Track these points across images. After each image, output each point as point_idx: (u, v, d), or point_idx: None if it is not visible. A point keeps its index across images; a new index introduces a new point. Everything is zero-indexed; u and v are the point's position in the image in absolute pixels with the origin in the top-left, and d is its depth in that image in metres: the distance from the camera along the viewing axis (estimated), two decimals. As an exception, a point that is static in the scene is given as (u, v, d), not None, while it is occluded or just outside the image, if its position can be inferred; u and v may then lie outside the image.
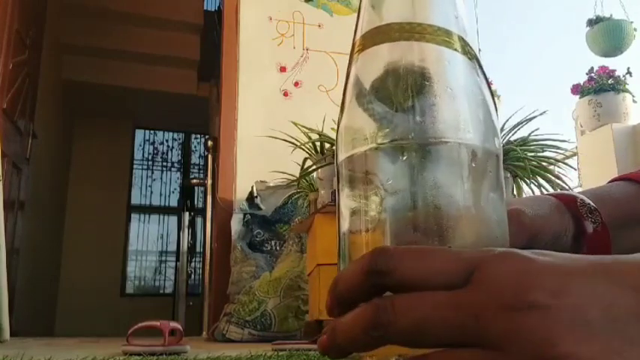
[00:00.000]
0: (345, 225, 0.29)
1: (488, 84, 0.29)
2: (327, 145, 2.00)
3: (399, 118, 0.27)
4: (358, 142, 0.28)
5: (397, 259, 0.21)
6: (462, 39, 0.28)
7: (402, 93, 0.27)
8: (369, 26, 0.29)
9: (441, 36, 0.28)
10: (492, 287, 0.20)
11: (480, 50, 4.31)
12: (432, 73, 0.27)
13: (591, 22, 3.20)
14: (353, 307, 0.22)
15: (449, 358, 0.20)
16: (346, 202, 0.29)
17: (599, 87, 2.95)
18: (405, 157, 0.27)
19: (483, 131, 0.28)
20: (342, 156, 0.29)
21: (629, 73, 2.98)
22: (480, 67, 0.29)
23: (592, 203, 0.40)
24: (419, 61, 0.28)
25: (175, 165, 7.49)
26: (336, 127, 0.32)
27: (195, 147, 7.53)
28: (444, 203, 0.26)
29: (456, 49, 0.28)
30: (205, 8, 5.89)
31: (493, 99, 0.29)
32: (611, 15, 3.18)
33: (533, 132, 1.81)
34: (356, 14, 0.30)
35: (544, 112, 1.83)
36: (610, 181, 0.46)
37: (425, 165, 0.26)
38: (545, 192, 1.80)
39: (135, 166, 7.22)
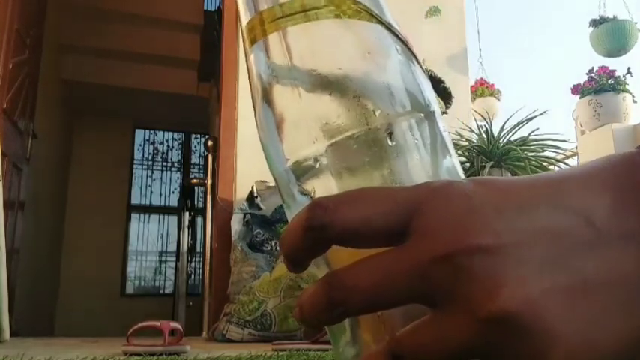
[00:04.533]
0: None
1: (401, 39, 0.26)
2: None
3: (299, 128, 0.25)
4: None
5: (332, 211, 0.20)
6: (355, 1, 0.25)
7: (293, 95, 0.25)
8: (262, 7, 0.26)
9: (328, 6, 0.25)
10: (431, 238, 0.19)
11: (480, 50, 4.30)
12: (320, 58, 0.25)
13: (595, 23, 3.20)
14: (303, 263, 0.22)
15: (418, 336, 0.19)
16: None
17: (599, 87, 2.95)
18: (319, 164, 0.25)
19: (416, 93, 0.25)
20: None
21: (629, 73, 2.98)
22: (384, 24, 0.26)
23: None
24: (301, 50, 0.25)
25: (175, 165, 7.49)
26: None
27: (195, 147, 7.53)
28: None
29: (339, 15, 0.25)
30: (205, 8, 5.89)
31: (412, 52, 0.26)
32: (614, 16, 3.18)
33: (533, 132, 1.81)
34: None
35: (544, 112, 1.83)
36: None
37: (341, 166, 0.24)
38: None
39: (135, 166, 7.22)
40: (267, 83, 0.26)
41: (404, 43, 0.26)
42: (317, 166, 0.25)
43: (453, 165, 0.26)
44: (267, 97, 0.26)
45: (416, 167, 0.25)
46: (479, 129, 2.82)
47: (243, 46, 0.27)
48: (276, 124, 0.26)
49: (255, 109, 0.27)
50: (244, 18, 0.27)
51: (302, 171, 0.25)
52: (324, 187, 0.25)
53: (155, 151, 7.43)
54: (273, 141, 0.26)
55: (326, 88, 0.25)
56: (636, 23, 3.15)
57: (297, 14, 0.25)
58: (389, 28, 0.26)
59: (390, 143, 0.24)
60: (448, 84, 2.95)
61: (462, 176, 0.26)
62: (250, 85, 0.27)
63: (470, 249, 0.19)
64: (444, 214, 0.19)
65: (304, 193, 0.26)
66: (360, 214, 0.20)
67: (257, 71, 0.27)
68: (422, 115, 0.25)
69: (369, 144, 0.24)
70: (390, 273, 0.19)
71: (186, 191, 4.93)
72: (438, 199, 0.20)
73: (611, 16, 3.17)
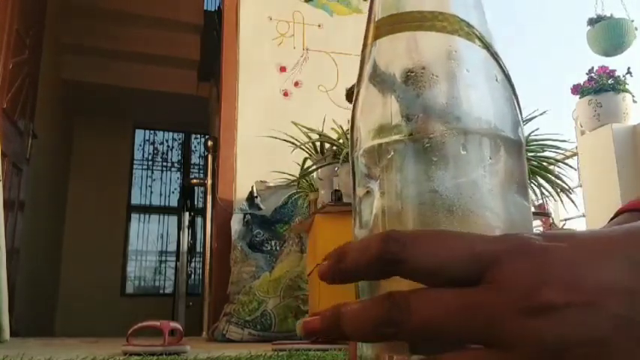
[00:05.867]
0: (358, 224, 0.28)
1: (504, 70, 0.28)
2: (327, 145, 2.00)
3: (420, 110, 0.26)
4: (380, 134, 0.27)
5: (410, 248, 0.20)
6: (468, 24, 0.28)
7: (425, 85, 0.27)
8: (386, 12, 0.29)
9: (442, 22, 0.27)
10: (505, 290, 0.19)
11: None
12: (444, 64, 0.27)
13: (592, 22, 3.19)
14: (351, 282, 0.22)
15: (463, 359, 0.20)
16: (361, 194, 0.28)
17: (599, 87, 2.95)
18: (390, 155, 0.26)
19: (503, 121, 0.27)
20: (364, 146, 0.28)
21: (629, 73, 2.98)
22: (493, 54, 0.28)
23: None
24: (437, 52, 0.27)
25: (175, 165, 7.49)
26: (348, 120, 0.31)
27: (195, 147, 7.53)
28: (466, 202, 0.25)
29: (469, 39, 0.27)
30: (205, 8, 5.89)
31: (513, 87, 0.28)
32: (611, 14, 3.18)
33: (533, 132, 1.81)
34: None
35: (544, 112, 1.83)
36: (615, 215, 0.39)
37: (445, 159, 0.25)
38: (546, 192, 1.80)
39: (135, 166, 7.22)
40: (369, 76, 0.29)
41: (507, 77, 0.28)
42: (389, 156, 0.26)
43: (524, 205, 0.27)
44: (364, 89, 0.29)
45: (479, 184, 0.25)
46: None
47: (365, 39, 0.30)
48: (362, 113, 0.29)
49: (358, 97, 0.30)
50: (378, 15, 0.29)
51: (372, 159, 0.27)
52: (389, 177, 0.26)
53: (155, 151, 7.43)
54: (356, 127, 0.29)
55: (415, 90, 0.27)
56: (633, 21, 3.15)
57: (414, 23, 0.27)
58: (495, 57, 0.28)
59: (462, 151, 0.25)
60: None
61: (530, 218, 0.27)
62: (359, 74, 0.30)
63: (539, 306, 0.19)
64: (518, 270, 0.20)
65: (367, 184, 0.27)
66: (437, 257, 0.20)
67: (369, 64, 0.29)
68: (506, 141, 0.27)
69: (441, 145, 0.26)
70: (455, 311, 0.20)
71: (186, 191, 4.94)
72: (514, 256, 0.20)
73: (608, 15, 3.16)
